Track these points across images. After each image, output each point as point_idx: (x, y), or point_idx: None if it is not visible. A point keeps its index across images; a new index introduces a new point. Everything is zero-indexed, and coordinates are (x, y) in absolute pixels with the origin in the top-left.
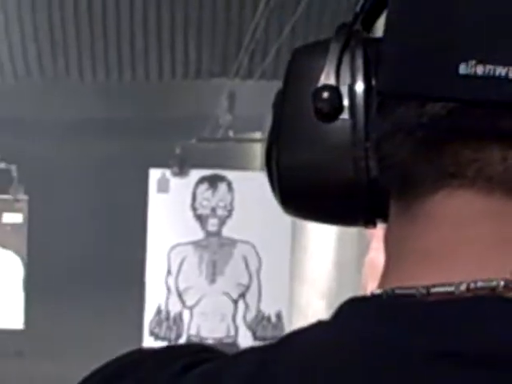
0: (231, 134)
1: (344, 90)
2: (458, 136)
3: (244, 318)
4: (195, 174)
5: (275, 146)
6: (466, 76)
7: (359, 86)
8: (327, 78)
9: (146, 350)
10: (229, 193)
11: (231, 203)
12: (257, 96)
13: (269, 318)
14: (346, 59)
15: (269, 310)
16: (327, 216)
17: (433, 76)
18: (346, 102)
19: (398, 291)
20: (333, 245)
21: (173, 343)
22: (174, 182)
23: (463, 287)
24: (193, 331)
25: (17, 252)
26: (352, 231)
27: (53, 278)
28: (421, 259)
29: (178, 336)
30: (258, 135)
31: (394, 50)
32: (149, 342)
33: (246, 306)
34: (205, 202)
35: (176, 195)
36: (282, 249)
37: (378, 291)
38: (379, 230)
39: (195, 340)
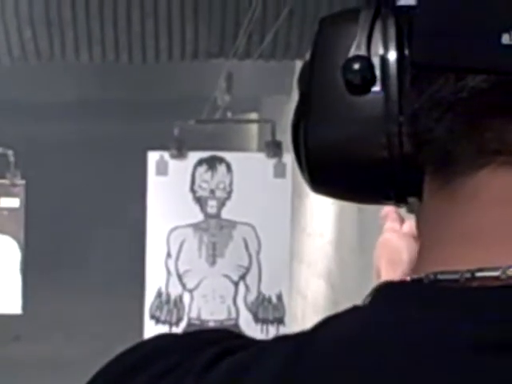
0: (229, 114)
1: (376, 60)
2: (501, 111)
3: (245, 299)
4: (193, 156)
5: (303, 121)
6: (509, 46)
7: (392, 57)
8: (358, 48)
9: (172, 336)
10: (228, 174)
11: (230, 185)
12: (254, 77)
13: (269, 300)
14: (378, 28)
15: (269, 291)
16: (357, 193)
17: (473, 46)
18: (378, 74)
19: (440, 276)
20: (332, 225)
21: (174, 327)
22: (173, 164)
23: (511, 272)
24: (194, 314)
25: (14, 237)
26: (352, 211)
27: (50, 262)
28: (464, 241)
29: (179, 319)
30: (254, 116)
31: (429, 17)
32: (149, 326)
33: (247, 288)
34: (204, 184)
35: (175, 178)
36: (281, 230)
37: (417, 275)
38: (392, 211)
39: (196, 323)
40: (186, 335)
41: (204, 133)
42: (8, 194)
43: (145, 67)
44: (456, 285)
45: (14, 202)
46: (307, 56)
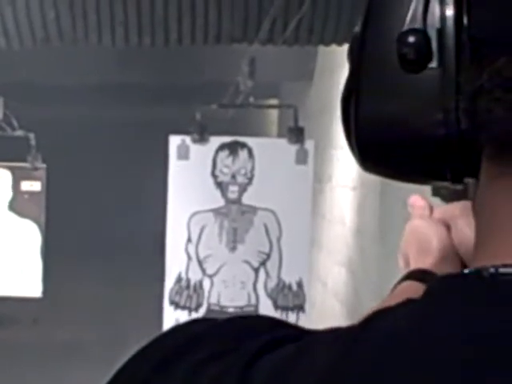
0: (251, 100)
1: (432, 33)
2: None
3: (265, 286)
4: (215, 141)
5: (354, 96)
6: None
7: (450, 30)
8: (413, 20)
9: (214, 322)
10: (249, 159)
11: (252, 170)
12: (276, 62)
13: (290, 287)
14: None
15: (289, 278)
16: (411, 172)
17: None
18: (434, 48)
19: (501, 270)
20: (353, 213)
21: (193, 312)
22: (194, 149)
23: None
24: (213, 300)
25: (35, 220)
26: (373, 198)
27: (71, 246)
28: None
29: (199, 305)
30: (274, 101)
31: None
32: (169, 311)
33: (267, 275)
34: (225, 169)
35: (196, 162)
36: (302, 216)
37: (476, 267)
38: (420, 198)
39: (216, 309)
40: (229, 321)
41: (225, 118)
42: (29, 177)
43: (167, 52)
44: None
45: (35, 186)
46: (357, 27)
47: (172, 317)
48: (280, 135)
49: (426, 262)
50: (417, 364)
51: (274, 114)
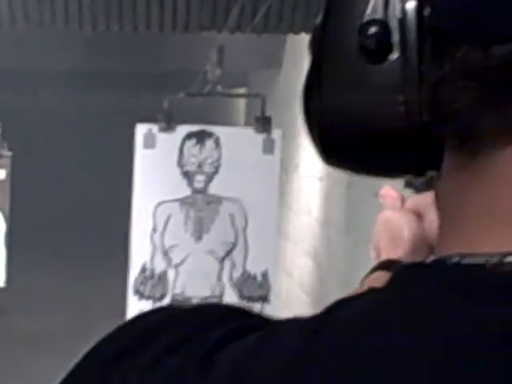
0: (219, 88)
1: (393, 24)
2: None
3: (230, 276)
4: (182, 130)
5: (315, 88)
6: None
7: (411, 20)
8: (374, 11)
9: (176, 310)
10: (216, 149)
11: (218, 159)
12: (244, 50)
13: (255, 277)
14: None
15: (255, 269)
16: (374, 166)
17: (503, 12)
18: (395, 39)
19: (464, 260)
20: (320, 203)
21: (157, 302)
22: (161, 138)
23: None
24: (178, 290)
25: None
26: (340, 188)
27: (36, 234)
28: (492, 223)
29: (163, 295)
30: (242, 90)
31: None
32: (133, 301)
33: (232, 265)
34: (192, 159)
35: (162, 151)
36: (269, 207)
37: (440, 256)
38: (391, 190)
39: (180, 299)
40: (191, 310)
41: (193, 106)
42: None
43: (136, 40)
44: (482, 270)
45: (0, 174)
46: (318, 19)
47: (136, 307)
48: (248, 124)
49: (397, 253)
50: (376, 355)
51: (242, 102)
